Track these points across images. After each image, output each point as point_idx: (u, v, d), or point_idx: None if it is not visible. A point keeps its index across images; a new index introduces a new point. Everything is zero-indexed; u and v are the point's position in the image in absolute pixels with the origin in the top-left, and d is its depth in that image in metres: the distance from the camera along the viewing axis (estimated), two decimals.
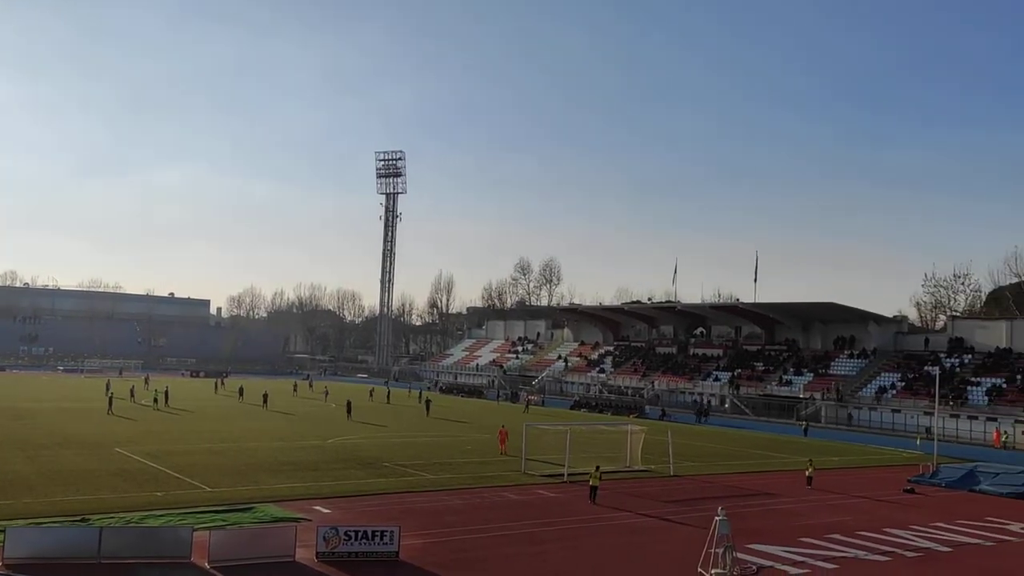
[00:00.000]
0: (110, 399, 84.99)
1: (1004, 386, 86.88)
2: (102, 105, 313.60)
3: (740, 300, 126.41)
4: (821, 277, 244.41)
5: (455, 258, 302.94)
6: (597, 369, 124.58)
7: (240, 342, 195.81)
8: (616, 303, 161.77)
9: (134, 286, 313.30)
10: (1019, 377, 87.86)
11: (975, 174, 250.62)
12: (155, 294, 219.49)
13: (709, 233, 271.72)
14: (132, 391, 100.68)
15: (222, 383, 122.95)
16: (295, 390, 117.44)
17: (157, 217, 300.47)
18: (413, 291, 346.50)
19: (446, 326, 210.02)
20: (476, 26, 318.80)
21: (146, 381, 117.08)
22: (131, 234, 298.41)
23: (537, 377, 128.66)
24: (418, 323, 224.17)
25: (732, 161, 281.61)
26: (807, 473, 51.11)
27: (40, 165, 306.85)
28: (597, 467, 46.12)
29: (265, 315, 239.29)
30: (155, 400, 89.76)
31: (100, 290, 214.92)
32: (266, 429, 70.17)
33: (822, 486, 50.54)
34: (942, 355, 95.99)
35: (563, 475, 49.22)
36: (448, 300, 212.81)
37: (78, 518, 35.63)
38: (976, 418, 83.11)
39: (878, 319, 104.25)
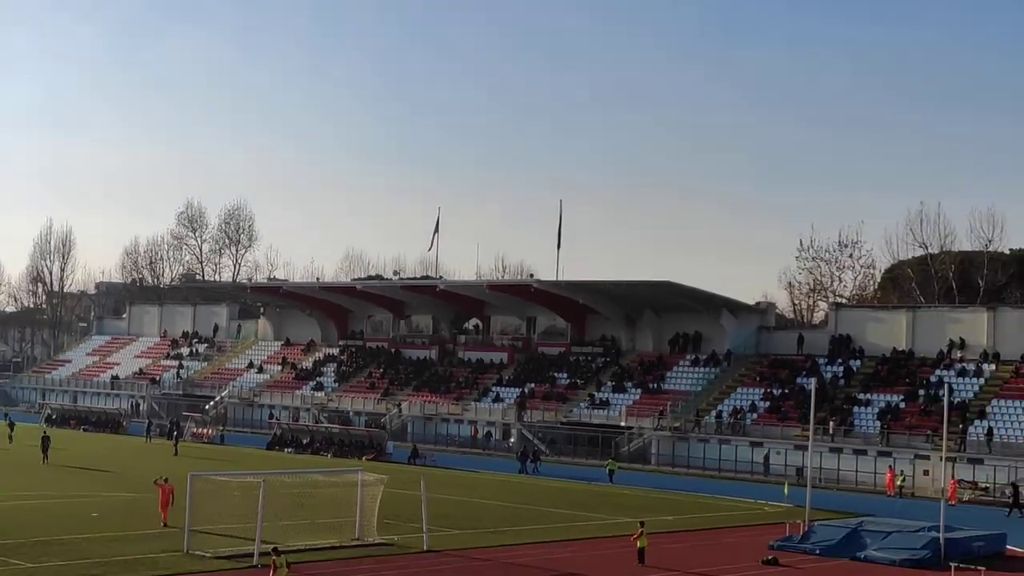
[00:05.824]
0: None
1: (902, 405, 78.33)
2: None
3: (536, 277, 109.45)
4: (654, 248, 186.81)
5: (76, 199, 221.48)
6: (312, 384, 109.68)
7: None
8: (344, 278, 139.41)
9: None
10: (922, 392, 78.62)
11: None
12: None
13: (491, 174, 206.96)
14: None
15: None
16: None
17: None
18: (2, 254, 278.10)
19: (60, 314, 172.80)
20: None
21: None
22: None
23: (215, 398, 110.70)
24: (11, 308, 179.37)
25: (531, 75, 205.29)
26: (637, 543, 42.31)
27: None
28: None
29: None
30: None
31: None
32: None
33: (656, 560, 42.66)
34: (821, 361, 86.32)
35: (252, 555, 38.81)
36: (64, 270, 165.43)
37: None
38: (865, 452, 75.99)
39: (733, 307, 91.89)
